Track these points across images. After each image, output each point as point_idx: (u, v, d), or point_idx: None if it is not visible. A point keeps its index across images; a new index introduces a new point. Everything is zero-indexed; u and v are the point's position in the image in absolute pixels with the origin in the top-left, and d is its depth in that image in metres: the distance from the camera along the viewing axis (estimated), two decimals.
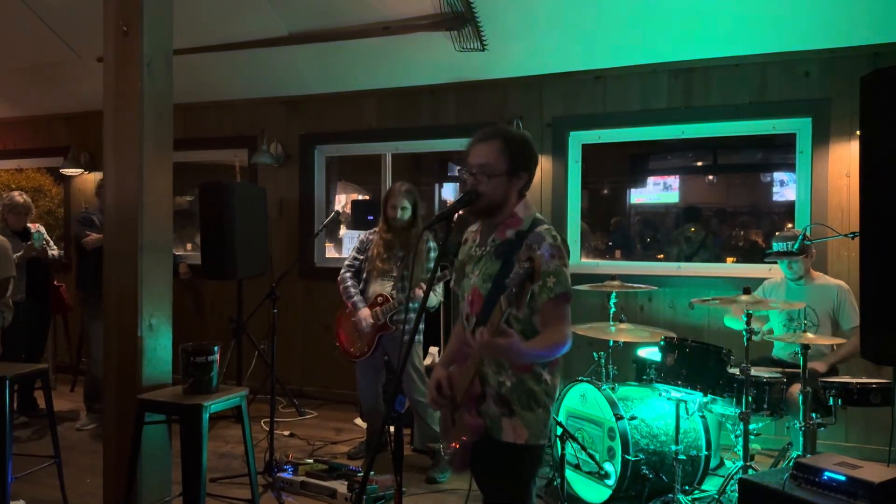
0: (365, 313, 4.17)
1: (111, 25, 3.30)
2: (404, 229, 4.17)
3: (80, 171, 6.87)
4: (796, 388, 3.48)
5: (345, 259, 4.51)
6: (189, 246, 7.17)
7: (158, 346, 3.36)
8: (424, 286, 4.01)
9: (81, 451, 4.52)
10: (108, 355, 3.39)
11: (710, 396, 3.45)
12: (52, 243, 5.58)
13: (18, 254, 5.01)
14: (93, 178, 6.89)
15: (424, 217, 4.37)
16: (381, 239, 4.25)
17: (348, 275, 4.32)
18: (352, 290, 4.26)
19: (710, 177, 8.66)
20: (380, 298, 4.17)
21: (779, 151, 6.98)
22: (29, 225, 5.35)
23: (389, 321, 4.15)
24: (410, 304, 4.04)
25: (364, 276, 4.30)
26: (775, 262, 4.15)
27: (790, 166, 5.03)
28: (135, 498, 3.18)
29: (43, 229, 5.54)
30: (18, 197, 5.26)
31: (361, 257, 4.34)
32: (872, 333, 1.94)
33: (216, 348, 3.19)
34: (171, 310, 3.44)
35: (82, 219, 5.16)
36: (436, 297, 4.32)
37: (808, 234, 3.94)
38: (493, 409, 2.08)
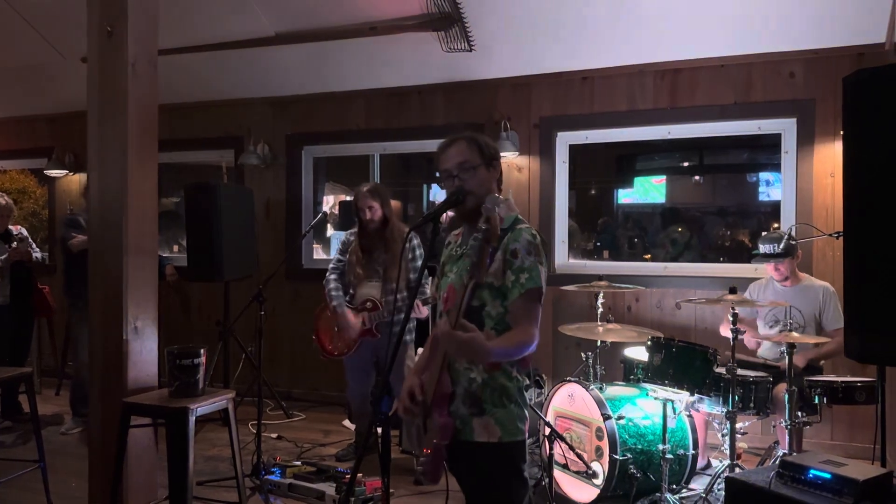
0: (353, 320, 4.16)
1: (96, 26, 3.28)
2: (379, 230, 4.18)
3: (64, 172, 6.81)
4: (782, 387, 3.50)
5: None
6: (175, 248, 7.13)
7: (144, 349, 3.34)
8: (421, 302, 4.03)
9: (66, 454, 4.48)
10: (93, 358, 3.37)
11: (696, 396, 3.46)
12: (34, 245, 5.52)
13: (2, 257, 4.96)
14: (77, 179, 6.84)
15: (413, 217, 4.38)
16: (358, 244, 4.27)
17: (332, 276, 4.33)
18: (334, 292, 4.25)
19: (697, 177, 8.70)
20: (369, 303, 4.17)
21: (764, 152, 7.03)
22: (10, 227, 5.29)
23: (376, 328, 4.16)
24: (400, 315, 4.05)
25: (350, 279, 4.31)
26: (762, 263, 4.17)
27: (776, 166, 5.07)
28: (121, 501, 3.16)
29: (25, 231, 5.48)
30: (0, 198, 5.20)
31: (344, 259, 4.34)
32: (856, 332, 1.95)
33: (202, 351, 3.18)
34: (156, 312, 3.42)
35: (68, 221, 5.10)
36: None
37: (793, 234, 3.96)
38: (463, 410, 2.06)
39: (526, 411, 2.12)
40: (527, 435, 2.14)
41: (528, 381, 2.17)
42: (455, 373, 2.08)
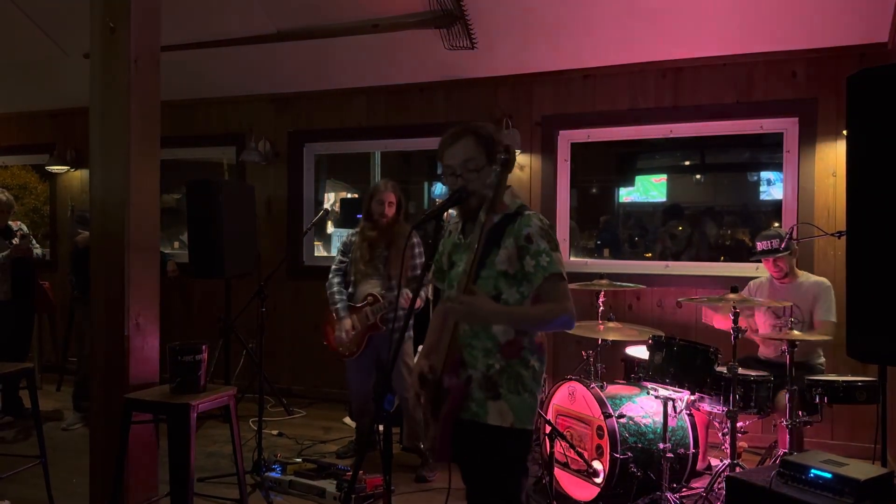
0: (346, 324, 4.17)
1: (98, 22, 3.28)
2: (389, 226, 4.16)
3: (65, 168, 6.83)
4: (783, 386, 3.50)
5: (335, 256, 4.49)
6: (176, 244, 7.14)
7: (146, 346, 3.33)
8: (410, 293, 4.03)
9: (68, 450, 4.49)
10: (94, 354, 3.37)
11: (697, 395, 3.47)
12: (34, 241, 5.51)
13: (4, 253, 4.97)
14: (79, 175, 6.85)
15: (413, 216, 4.36)
16: (363, 239, 4.22)
17: (336, 280, 4.31)
18: (336, 296, 4.25)
19: (698, 176, 8.69)
20: (370, 298, 4.16)
21: (766, 151, 7.01)
22: (10, 223, 5.29)
23: (380, 320, 4.14)
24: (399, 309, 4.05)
25: (351, 278, 4.28)
26: (761, 261, 4.17)
27: (777, 165, 5.06)
28: (122, 498, 3.16)
29: (25, 227, 5.47)
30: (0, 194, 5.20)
31: (346, 259, 4.32)
32: (859, 332, 1.95)
33: (204, 347, 3.18)
34: (158, 309, 3.42)
35: (78, 217, 5.15)
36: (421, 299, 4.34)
37: (793, 235, 3.97)
38: (479, 394, 2.09)
39: (537, 402, 2.15)
40: (533, 427, 2.16)
41: (543, 368, 2.18)
42: (473, 358, 2.10)
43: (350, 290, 4.28)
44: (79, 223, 5.07)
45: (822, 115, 4.58)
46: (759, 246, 4.02)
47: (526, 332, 2.11)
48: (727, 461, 3.46)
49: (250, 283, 5.14)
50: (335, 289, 4.28)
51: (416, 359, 2.21)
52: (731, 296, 3.54)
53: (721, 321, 4.07)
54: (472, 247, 2.10)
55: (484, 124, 2.22)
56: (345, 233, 6.61)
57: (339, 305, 4.22)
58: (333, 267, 4.37)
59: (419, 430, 3.95)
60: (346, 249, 4.35)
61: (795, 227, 4.14)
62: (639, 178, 8.53)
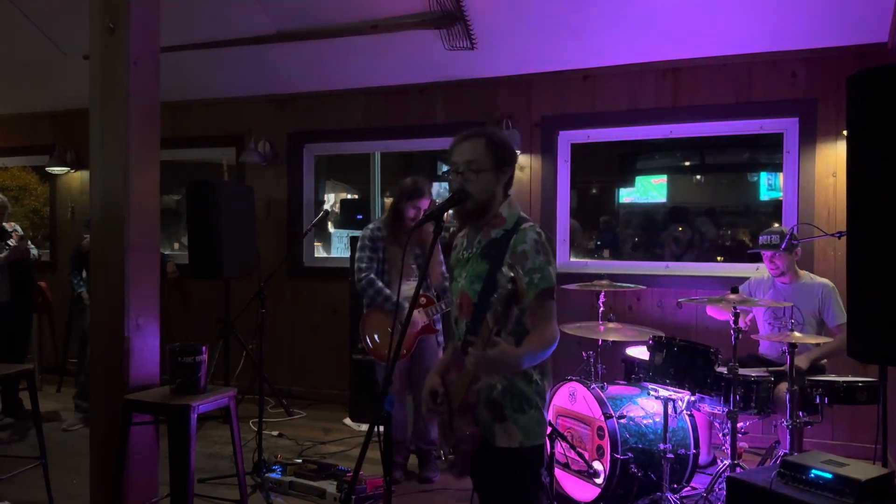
0: (416, 316, 3.91)
1: (98, 23, 3.28)
2: (415, 228, 3.94)
3: (65, 169, 6.83)
4: (783, 387, 3.50)
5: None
6: (176, 245, 7.13)
7: (146, 347, 3.33)
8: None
9: (68, 451, 4.49)
10: (95, 355, 3.37)
11: (698, 395, 3.46)
12: (29, 242, 5.50)
13: (3, 255, 4.96)
14: (79, 176, 6.85)
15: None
16: (395, 241, 3.97)
17: (373, 276, 3.98)
18: (386, 291, 3.95)
19: (698, 176, 8.69)
20: (423, 299, 3.97)
21: (766, 151, 7.02)
22: (4, 224, 5.28)
23: (434, 322, 4.01)
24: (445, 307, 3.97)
25: (386, 278, 4.00)
26: (761, 262, 4.17)
27: (777, 166, 5.06)
28: (122, 499, 3.16)
29: (19, 228, 5.45)
30: None
31: (376, 256, 4.02)
32: (859, 332, 1.95)
33: (204, 348, 3.18)
34: (158, 309, 3.42)
35: (86, 221, 5.17)
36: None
37: (794, 233, 3.97)
38: (484, 416, 2.06)
39: (545, 414, 2.12)
40: (545, 439, 2.14)
41: (548, 382, 2.16)
42: (476, 381, 2.06)
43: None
44: (85, 227, 5.10)
45: (822, 115, 4.58)
46: (761, 240, 4.03)
47: None
48: (727, 461, 3.46)
49: (250, 284, 5.14)
50: (379, 285, 3.95)
51: (429, 374, 2.20)
52: (732, 296, 3.54)
53: (718, 312, 4.11)
54: (472, 262, 2.10)
55: (498, 130, 2.19)
56: (344, 234, 6.63)
57: (393, 300, 3.89)
58: (364, 265, 3.99)
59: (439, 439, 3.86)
60: (375, 247, 4.01)
61: (796, 228, 4.14)
62: (639, 179, 8.53)
